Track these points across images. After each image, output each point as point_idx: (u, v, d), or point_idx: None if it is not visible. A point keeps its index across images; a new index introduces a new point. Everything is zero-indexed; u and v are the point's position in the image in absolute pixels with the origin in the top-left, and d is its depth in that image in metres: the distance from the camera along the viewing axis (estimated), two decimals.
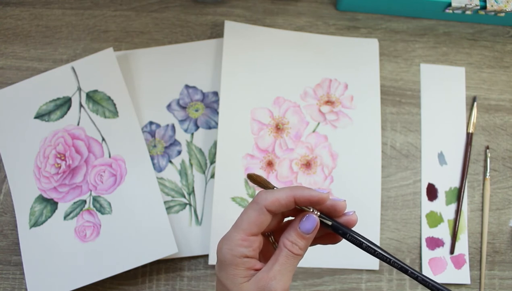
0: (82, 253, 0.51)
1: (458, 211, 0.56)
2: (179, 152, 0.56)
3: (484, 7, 0.58)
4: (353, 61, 0.59)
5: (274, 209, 0.31)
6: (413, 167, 0.57)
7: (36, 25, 0.59)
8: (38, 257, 0.51)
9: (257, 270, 0.32)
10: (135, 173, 0.53)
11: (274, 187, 0.34)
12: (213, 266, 0.53)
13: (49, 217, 0.52)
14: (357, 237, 0.32)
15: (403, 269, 0.31)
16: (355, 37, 0.60)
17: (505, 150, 0.59)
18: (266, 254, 0.34)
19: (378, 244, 0.55)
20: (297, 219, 0.33)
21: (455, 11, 0.59)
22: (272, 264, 0.32)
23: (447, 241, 0.55)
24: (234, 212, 0.53)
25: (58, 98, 0.55)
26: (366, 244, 0.32)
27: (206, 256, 0.54)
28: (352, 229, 0.33)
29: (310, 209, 0.32)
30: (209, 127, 0.57)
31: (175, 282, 0.53)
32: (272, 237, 0.35)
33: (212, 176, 0.55)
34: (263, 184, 0.34)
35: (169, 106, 0.57)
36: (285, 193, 0.31)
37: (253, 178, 0.34)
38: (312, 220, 0.32)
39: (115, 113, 0.55)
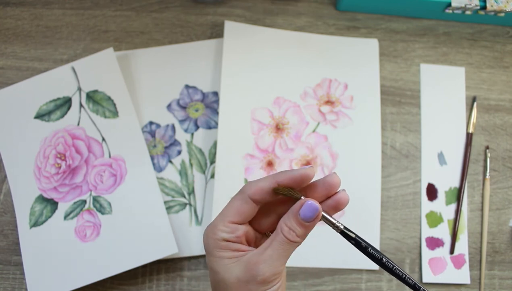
0: (82, 253, 0.51)
1: (458, 211, 0.56)
2: (179, 152, 0.56)
3: (484, 7, 0.58)
4: (353, 61, 0.59)
5: (258, 198, 0.31)
6: (413, 167, 0.57)
7: (36, 25, 0.59)
8: (38, 257, 0.51)
9: (244, 251, 0.31)
10: (135, 173, 0.53)
11: (301, 196, 0.31)
12: None
13: (49, 217, 0.52)
14: (376, 253, 0.31)
15: (415, 287, 0.31)
16: (355, 37, 0.60)
17: (505, 150, 0.59)
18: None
19: (377, 244, 0.55)
20: (298, 204, 0.31)
21: (455, 11, 0.59)
22: (265, 247, 0.31)
23: (447, 241, 0.55)
24: None
25: (58, 98, 0.55)
26: (386, 259, 0.31)
27: None
28: (358, 234, 0.32)
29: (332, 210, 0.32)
30: (209, 127, 0.57)
31: (175, 282, 0.53)
32: (270, 232, 0.34)
33: (212, 176, 0.55)
34: (291, 194, 0.31)
35: (169, 106, 0.57)
36: (268, 180, 0.31)
37: (279, 191, 0.31)
38: (313, 208, 0.30)
39: (115, 113, 0.55)
